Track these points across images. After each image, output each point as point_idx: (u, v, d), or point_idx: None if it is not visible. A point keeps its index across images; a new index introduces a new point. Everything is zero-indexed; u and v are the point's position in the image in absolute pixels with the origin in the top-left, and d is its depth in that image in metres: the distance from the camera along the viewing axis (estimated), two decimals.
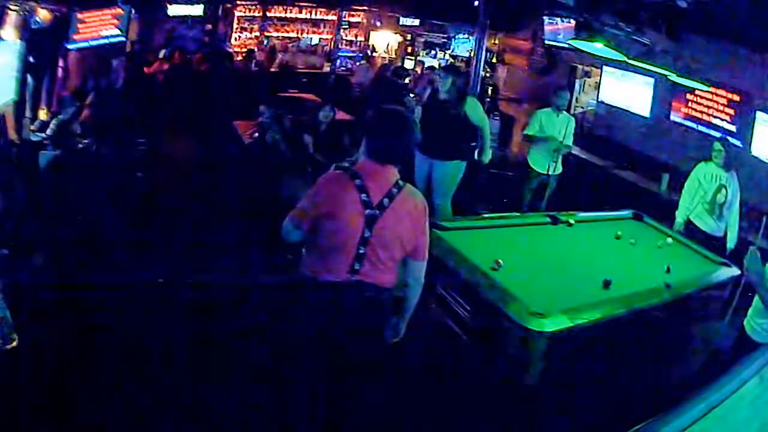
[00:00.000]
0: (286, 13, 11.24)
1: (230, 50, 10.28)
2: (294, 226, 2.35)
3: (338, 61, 11.21)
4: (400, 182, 2.35)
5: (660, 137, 7.07)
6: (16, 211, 4.12)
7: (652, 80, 6.97)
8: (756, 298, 2.94)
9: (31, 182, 4.50)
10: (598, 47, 4.81)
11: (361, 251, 2.27)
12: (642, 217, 4.85)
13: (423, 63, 11.21)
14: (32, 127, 5.40)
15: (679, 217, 4.90)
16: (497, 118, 9.22)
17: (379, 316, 2.44)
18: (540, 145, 5.77)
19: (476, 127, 5.08)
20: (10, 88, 4.65)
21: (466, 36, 11.78)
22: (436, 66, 10.89)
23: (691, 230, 4.79)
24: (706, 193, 4.71)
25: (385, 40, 12.20)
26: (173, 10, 9.58)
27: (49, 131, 5.18)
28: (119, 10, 6.40)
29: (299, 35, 11.48)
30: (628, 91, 7.45)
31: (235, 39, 10.92)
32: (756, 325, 2.95)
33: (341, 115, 7.06)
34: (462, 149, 5.10)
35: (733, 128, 6.04)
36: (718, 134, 6.20)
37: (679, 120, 6.73)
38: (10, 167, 4.55)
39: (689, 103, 6.56)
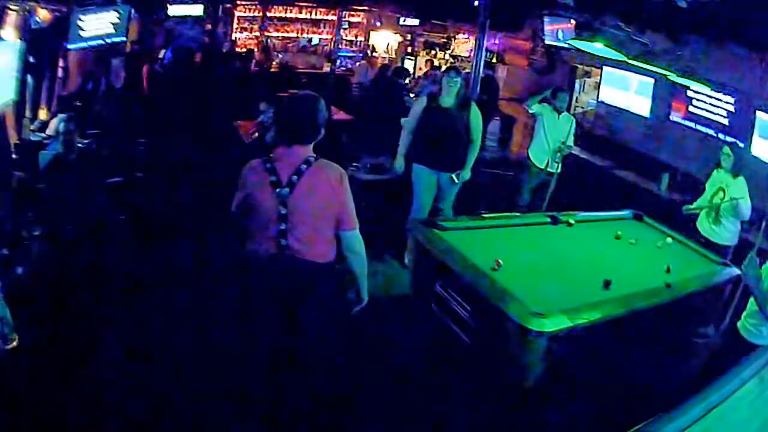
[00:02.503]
0: (286, 13, 11.25)
1: (230, 50, 10.27)
2: (234, 213, 2.62)
3: (338, 61, 11.21)
4: (311, 158, 2.52)
5: (660, 137, 7.07)
6: (16, 211, 4.12)
7: (652, 80, 6.97)
8: (751, 299, 3.00)
9: (31, 182, 4.50)
10: (598, 47, 4.81)
11: (283, 227, 2.47)
12: (642, 217, 4.84)
13: (432, 61, 11.19)
14: (32, 127, 5.40)
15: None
16: (497, 118, 9.22)
17: (310, 284, 2.58)
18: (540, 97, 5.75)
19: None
20: (10, 88, 4.65)
21: (466, 36, 11.78)
22: (437, 66, 10.88)
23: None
24: (706, 197, 4.67)
25: (385, 40, 12.20)
26: (173, 10, 9.57)
27: (50, 130, 5.18)
28: (119, 11, 6.40)
29: (299, 35, 11.48)
30: (628, 91, 7.46)
31: (235, 39, 10.92)
32: (749, 326, 3.00)
33: (341, 115, 7.07)
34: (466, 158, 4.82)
35: (731, 128, 6.04)
36: (716, 134, 6.22)
37: (679, 120, 6.73)
38: (9, 167, 4.55)
39: (689, 103, 6.57)
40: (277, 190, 2.45)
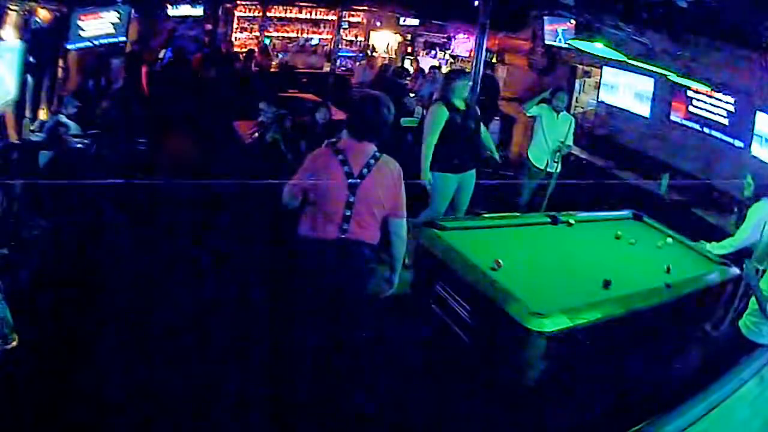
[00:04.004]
0: (286, 13, 11.25)
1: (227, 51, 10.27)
2: (290, 196, 2.80)
3: (338, 61, 11.22)
4: (377, 154, 2.78)
5: (660, 137, 7.07)
6: (16, 211, 4.12)
7: (651, 80, 6.97)
8: (753, 298, 3.02)
9: (31, 182, 4.50)
10: (598, 47, 4.81)
11: (348, 213, 2.72)
12: (642, 217, 4.84)
13: (418, 62, 11.23)
14: (32, 127, 5.40)
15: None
16: (497, 118, 9.21)
17: (363, 265, 2.85)
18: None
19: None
20: (10, 88, 4.65)
21: (466, 36, 11.78)
22: (437, 66, 10.87)
23: None
24: None
25: (385, 40, 12.21)
26: (173, 10, 9.58)
27: (44, 132, 5.20)
28: (119, 11, 6.41)
29: (299, 35, 11.49)
30: (628, 91, 7.47)
31: (235, 39, 10.94)
32: (751, 324, 3.03)
33: (340, 115, 7.05)
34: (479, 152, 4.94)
35: (731, 128, 6.04)
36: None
37: (679, 120, 6.73)
38: (9, 167, 4.55)
39: (689, 103, 6.57)
40: (350, 180, 2.69)
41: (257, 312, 3.79)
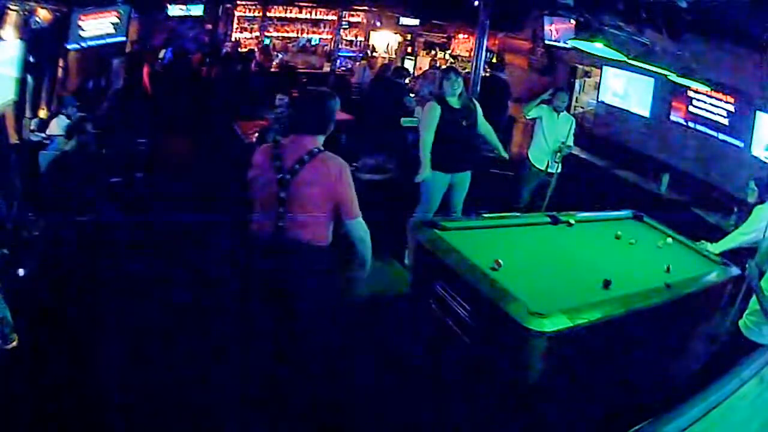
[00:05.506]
0: (286, 13, 11.26)
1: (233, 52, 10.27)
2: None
3: (338, 61, 11.22)
4: (316, 150, 2.67)
5: (660, 137, 7.07)
6: (16, 211, 4.12)
7: (652, 80, 6.97)
8: (753, 298, 3.03)
9: (31, 182, 4.50)
10: (598, 47, 4.81)
11: (281, 210, 2.63)
12: (642, 217, 4.84)
13: (434, 62, 11.26)
14: (32, 127, 5.40)
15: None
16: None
17: (306, 265, 2.72)
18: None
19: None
20: (10, 88, 4.66)
21: (466, 36, 11.79)
22: (437, 66, 10.87)
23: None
24: None
25: (385, 40, 12.21)
26: (173, 10, 9.59)
27: (50, 130, 5.19)
28: (119, 11, 6.41)
29: (299, 35, 11.50)
30: (627, 90, 7.47)
31: (235, 39, 10.94)
32: (750, 324, 3.03)
33: (340, 115, 7.07)
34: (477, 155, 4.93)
35: (731, 128, 6.04)
36: (717, 134, 6.22)
37: (679, 120, 6.74)
38: (9, 167, 4.54)
39: (689, 103, 6.57)
40: (279, 175, 2.61)
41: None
